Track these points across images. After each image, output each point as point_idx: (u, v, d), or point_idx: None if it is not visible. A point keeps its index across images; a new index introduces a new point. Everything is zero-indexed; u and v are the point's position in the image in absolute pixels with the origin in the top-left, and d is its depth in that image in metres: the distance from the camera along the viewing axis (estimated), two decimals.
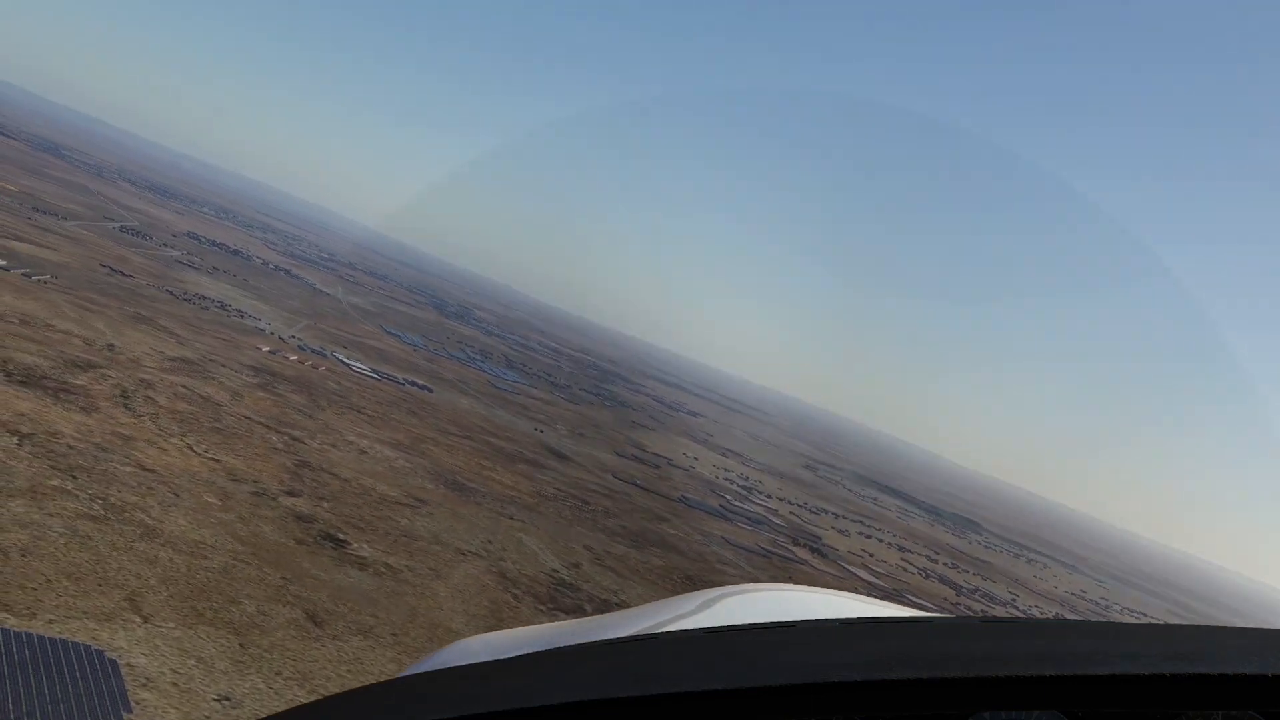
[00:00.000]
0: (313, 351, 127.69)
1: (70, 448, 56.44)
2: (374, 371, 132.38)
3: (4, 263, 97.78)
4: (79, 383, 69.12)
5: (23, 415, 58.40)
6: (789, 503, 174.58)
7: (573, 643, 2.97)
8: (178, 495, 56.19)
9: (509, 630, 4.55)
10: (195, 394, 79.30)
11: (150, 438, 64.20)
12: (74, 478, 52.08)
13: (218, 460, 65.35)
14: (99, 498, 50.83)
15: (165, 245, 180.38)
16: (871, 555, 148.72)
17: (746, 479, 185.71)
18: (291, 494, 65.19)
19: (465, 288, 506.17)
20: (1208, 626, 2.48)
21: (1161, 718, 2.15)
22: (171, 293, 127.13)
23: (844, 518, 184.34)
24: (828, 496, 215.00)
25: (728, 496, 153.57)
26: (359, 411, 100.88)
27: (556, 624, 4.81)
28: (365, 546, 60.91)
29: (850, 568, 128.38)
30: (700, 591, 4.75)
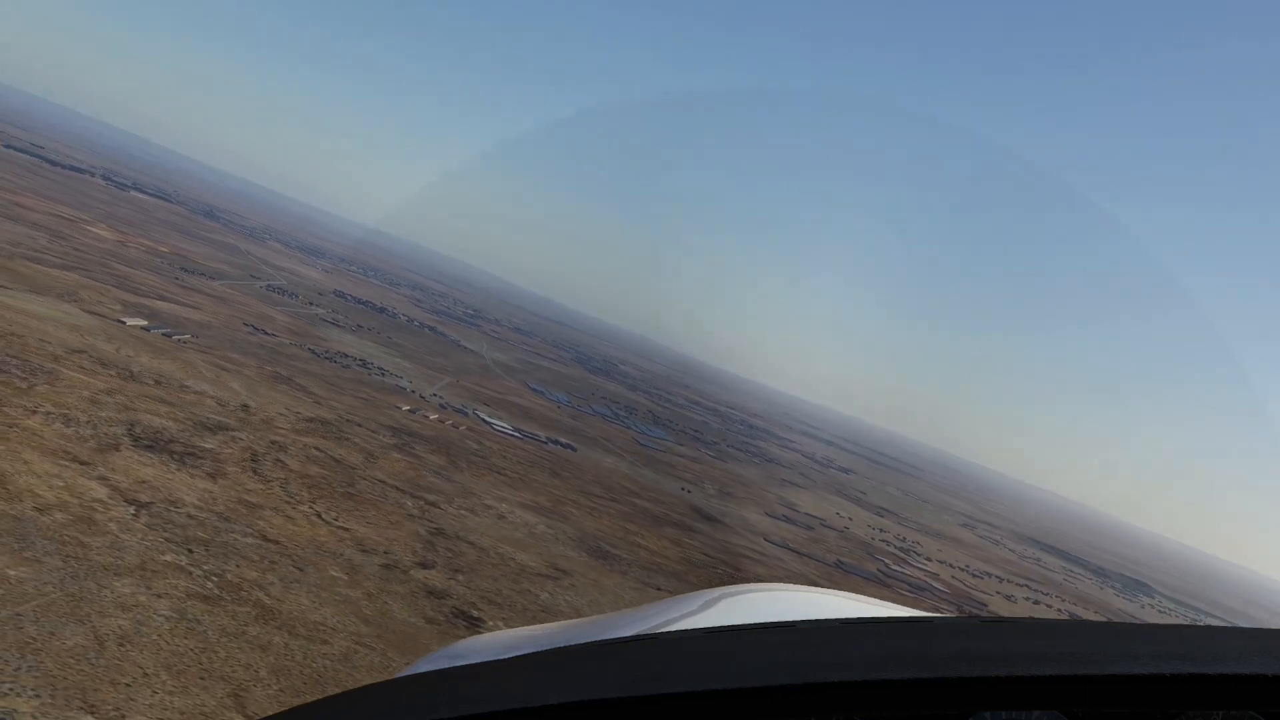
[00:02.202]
0: (454, 410, 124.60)
1: (190, 518, 52.84)
2: (516, 430, 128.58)
3: (145, 322, 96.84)
4: (207, 446, 66.08)
5: (144, 482, 55.15)
6: (950, 565, 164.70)
7: (573, 643, 2.99)
8: (301, 570, 51.98)
9: (509, 630, 4.63)
10: (328, 457, 75.84)
11: (277, 505, 60.49)
12: (190, 551, 48.24)
13: (347, 529, 61.26)
14: (214, 574, 46.80)
15: (311, 303, 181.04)
16: None
17: (903, 540, 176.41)
18: (424, 566, 60.63)
19: (608, 340, 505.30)
20: (1208, 626, 2.57)
21: (1161, 718, 2.21)
22: (313, 351, 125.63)
23: (1009, 581, 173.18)
24: (989, 558, 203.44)
25: (885, 560, 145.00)
26: (499, 473, 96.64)
27: (557, 624, 4.81)
28: (502, 625, 55.75)
29: None
30: (701, 591, 4.78)
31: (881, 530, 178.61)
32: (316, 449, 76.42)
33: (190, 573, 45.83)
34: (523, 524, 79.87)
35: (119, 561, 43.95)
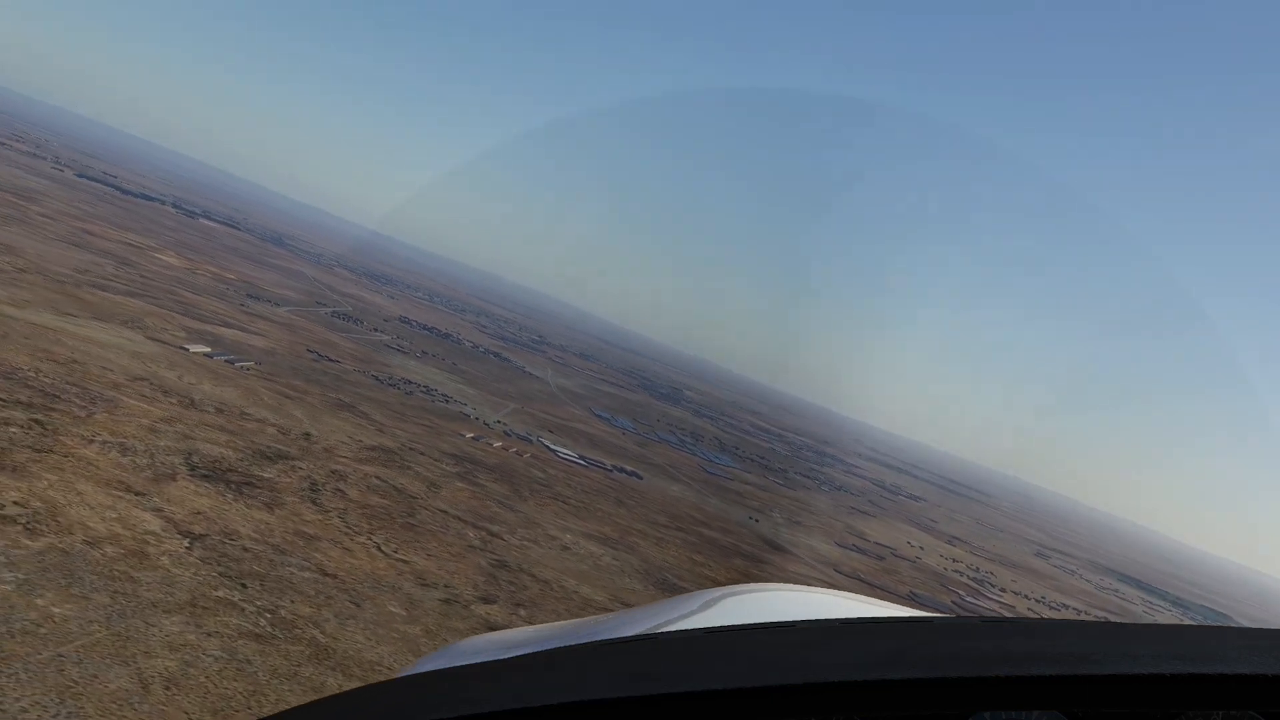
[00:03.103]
0: (518, 437, 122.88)
1: (245, 550, 51.24)
2: (581, 457, 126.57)
3: (208, 349, 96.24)
4: (266, 475, 64.67)
5: (199, 514, 53.70)
6: (1026, 597, 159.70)
7: (573, 643, 3.03)
8: (358, 605, 50.09)
9: (509, 630, 4.62)
10: (390, 486, 74.19)
11: (335, 537, 58.80)
12: (243, 586, 46.55)
13: (407, 561, 59.39)
14: (268, 610, 45.03)
15: (376, 330, 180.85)
16: None
17: (977, 570, 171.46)
18: (486, 600, 58.53)
19: (671, 365, 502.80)
20: (1208, 626, 2.58)
21: (1161, 718, 2.22)
22: (377, 378, 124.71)
23: (1088, 614, 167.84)
24: (1066, 588, 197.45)
25: (960, 592, 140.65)
26: (563, 501, 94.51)
27: (557, 624, 4.82)
28: None
29: None
30: (701, 591, 4.81)
31: (954, 560, 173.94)
32: (377, 478, 74.85)
33: (243, 609, 44.11)
34: (587, 555, 77.62)
35: (169, 598, 42.32)
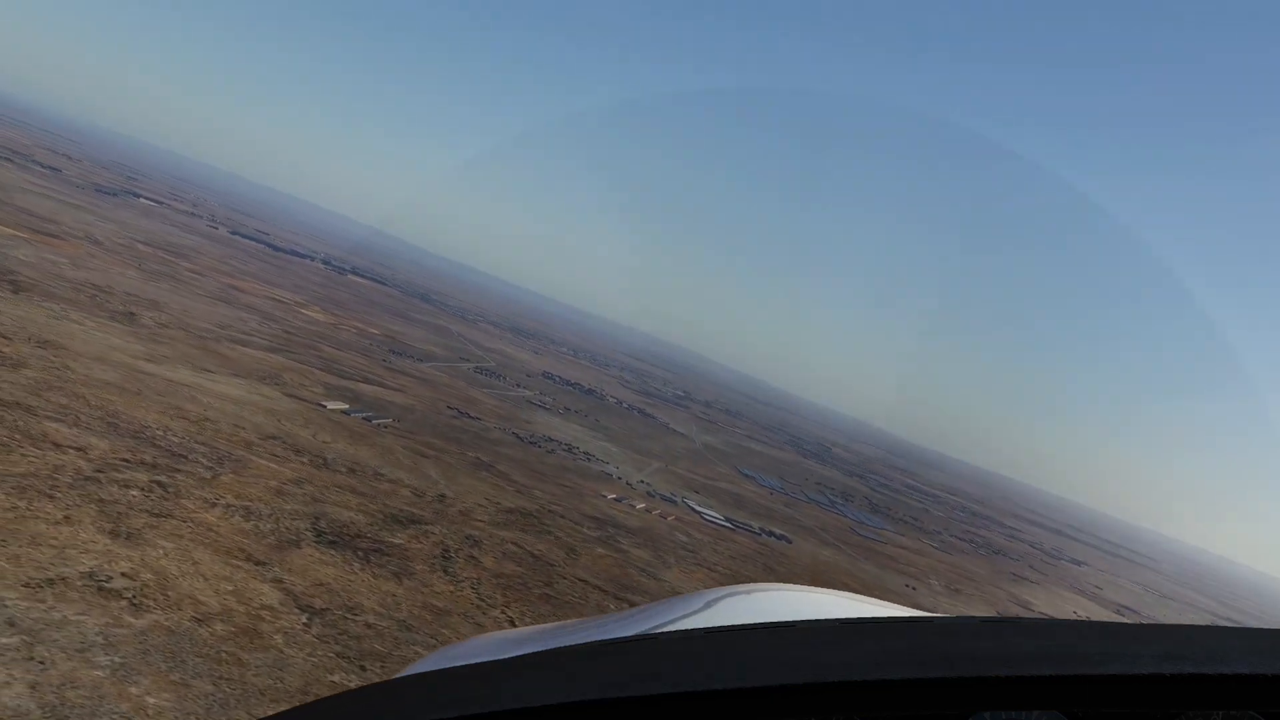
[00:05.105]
0: (662, 498, 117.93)
1: (368, 627, 47.15)
2: (728, 520, 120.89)
3: (346, 406, 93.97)
4: (396, 541, 60.89)
5: (322, 585, 49.91)
6: None
7: (573, 643, 2.97)
8: None
9: (509, 630, 4.71)
10: (526, 552, 69.83)
11: (467, 610, 54.44)
12: (362, 669, 42.32)
13: None
14: None
15: (518, 385, 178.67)
16: None
17: None
18: None
19: (819, 421, 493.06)
20: (1208, 626, 2.54)
21: (1161, 718, 2.19)
22: (517, 435, 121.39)
23: None
24: None
25: None
26: (709, 568, 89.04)
27: (557, 624, 4.80)
28: None
29: None
30: (701, 592, 4.77)
31: None
32: (514, 544, 70.60)
33: None
34: None
35: (278, 684, 38.27)
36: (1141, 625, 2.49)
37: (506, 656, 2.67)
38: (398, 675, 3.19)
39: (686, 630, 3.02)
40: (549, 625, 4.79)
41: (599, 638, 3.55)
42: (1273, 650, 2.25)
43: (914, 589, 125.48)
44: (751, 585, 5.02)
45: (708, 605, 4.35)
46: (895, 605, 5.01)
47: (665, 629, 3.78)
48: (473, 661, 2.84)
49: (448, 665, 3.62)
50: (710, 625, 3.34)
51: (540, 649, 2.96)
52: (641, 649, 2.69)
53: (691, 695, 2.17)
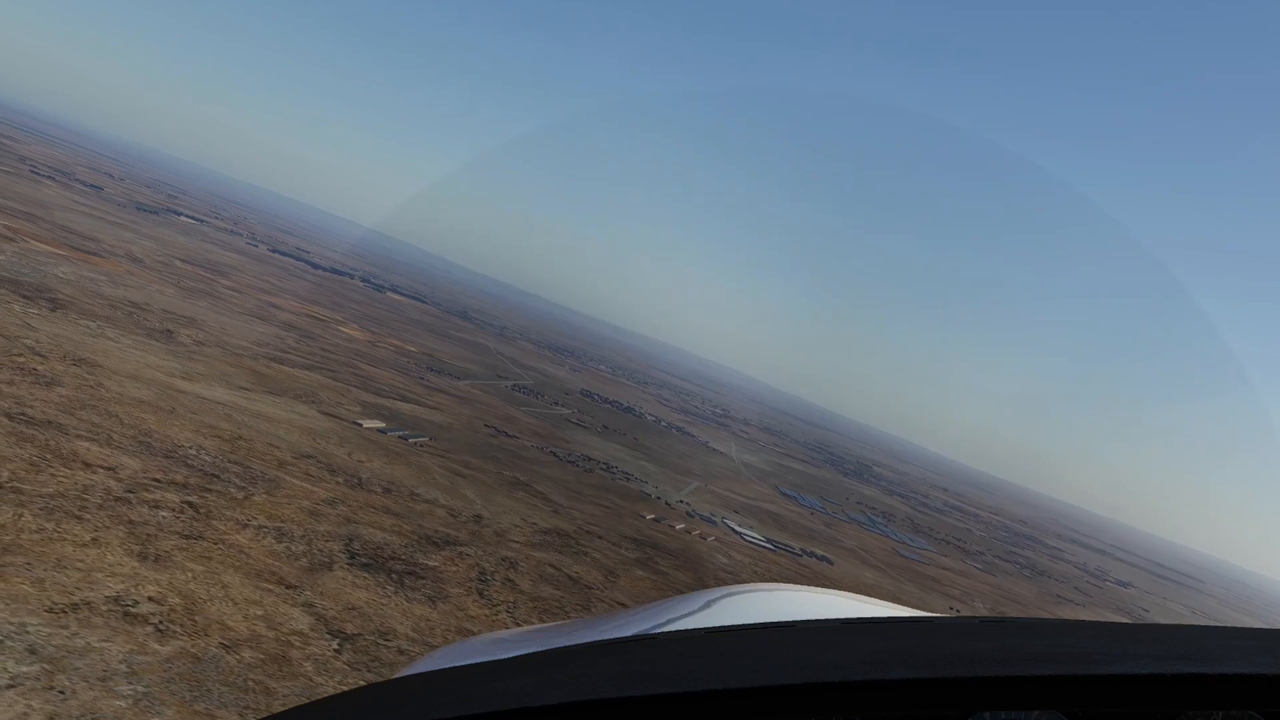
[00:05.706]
0: (701, 518, 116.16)
1: (400, 653, 45.81)
2: (768, 540, 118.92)
3: (382, 424, 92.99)
4: (431, 564, 59.59)
5: (353, 609, 48.63)
6: None
7: (573, 643, 3.05)
8: None
9: (509, 630, 4.59)
10: (564, 575, 68.38)
11: None
12: None
13: None
14: None
15: (556, 404, 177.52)
16: None
17: None
18: None
19: (859, 440, 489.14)
20: (1208, 626, 2.56)
21: (1161, 718, 2.18)
22: (555, 454, 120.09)
23: None
24: None
25: None
26: None
27: (557, 624, 4.77)
28: None
29: None
30: (701, 591, 4.75)
31: None
32: (551, 565, 69.18)
33: None
34: None
35: None
36: (1141, 625, 2.50)
37: (506, 656, 2.72)
38: (397, 675, 3.14)
39: (686, 630, 3.10)
40: (549, 625, 4.74)
41: (599, 638, 3.53)
42: (1273, 650, 2.26)
43: (959, 612, 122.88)
44: (751, 585, 5.00)
45: (708, 605, 4.36)
46: (895, 605, 4.92)
47: (665, 629, 3.76)
48: (472, 661, 2.85)
49: (447, 665, 3.61)
50: (710, 625, 3.41)
51: (540, 649, 3.02)
52: (641, 649, 2.69)
53: (691, 695, 2.16)
